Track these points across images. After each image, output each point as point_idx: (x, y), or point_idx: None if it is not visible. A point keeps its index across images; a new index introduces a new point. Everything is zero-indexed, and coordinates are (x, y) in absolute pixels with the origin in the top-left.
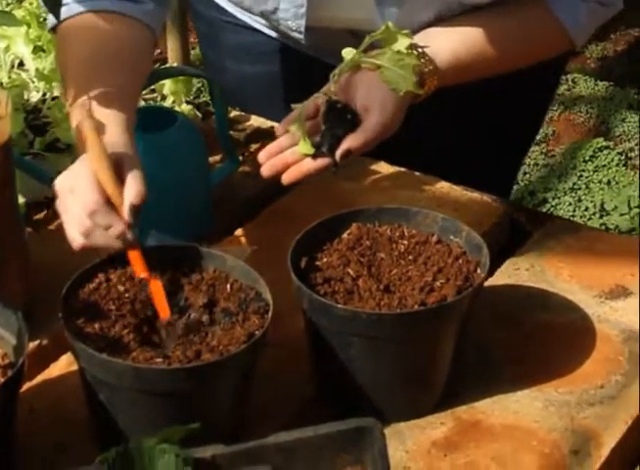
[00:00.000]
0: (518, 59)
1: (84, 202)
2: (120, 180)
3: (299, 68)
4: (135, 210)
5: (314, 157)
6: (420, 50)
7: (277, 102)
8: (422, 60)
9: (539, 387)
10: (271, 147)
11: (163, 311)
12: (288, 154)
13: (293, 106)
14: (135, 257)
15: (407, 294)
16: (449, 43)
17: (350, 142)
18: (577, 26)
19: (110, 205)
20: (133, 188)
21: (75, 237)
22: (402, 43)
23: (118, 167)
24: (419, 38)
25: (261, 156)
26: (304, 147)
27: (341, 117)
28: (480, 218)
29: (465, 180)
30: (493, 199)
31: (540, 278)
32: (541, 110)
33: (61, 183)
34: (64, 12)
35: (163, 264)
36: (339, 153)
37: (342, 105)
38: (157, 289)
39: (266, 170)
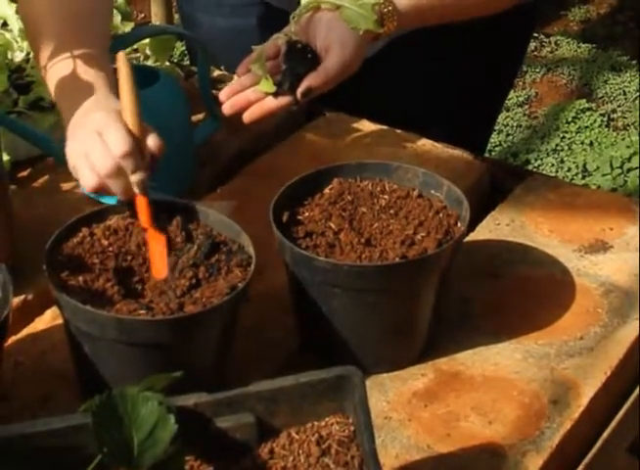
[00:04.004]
0: (475, 5)
1: (117, 143)
2: None
3: (271, 21)
4: (154, 162)
5: (275, 95)
6: None
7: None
8: (381, 0)
9: (519, 339)
10: (232, 86)
11: (160, 270)
12: (249, 92)
13: (253, 47)
14: (144, 206)
15: (388, 247)
16: None
17: (311, 80)
18: None
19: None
20: (156, 141)
21: (91, 178)
22: None
23: None
24: None
25: (222, 94)
26: (265, 85)
27: (301, 57)
28: (461, 175)
29: (439, 136)
30: (474, 156)
31: (520, 233)
32: (512, 63)
33: (101, 119)
34: None
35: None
36: (299, 91)
37: (302, 45)
38: (160, 245)
39: (227, 109)
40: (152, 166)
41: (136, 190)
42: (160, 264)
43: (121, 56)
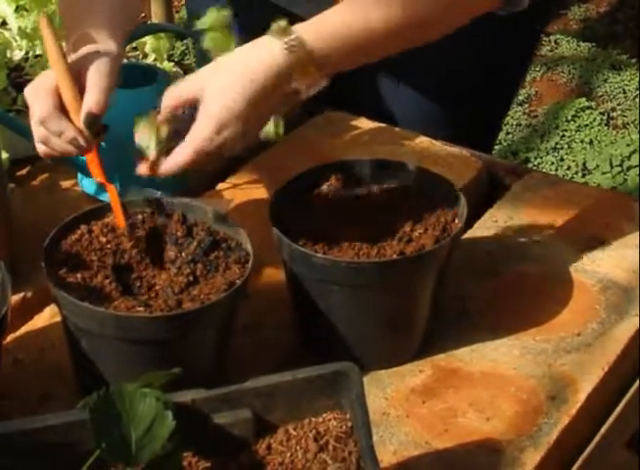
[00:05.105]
0: (433, 21)
1: (38, 109)
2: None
3: (271, 19)
4: (92, 118)
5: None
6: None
7: None
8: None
9: (517, 335)
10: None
11: (119, 218)
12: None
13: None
14: (91, 161)
15: (386, 244)
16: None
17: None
18: None
19: (63, 111)
20: (93, 96)
21: (37, 145)
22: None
23: (83, 75)
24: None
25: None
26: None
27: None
28: (459, 172)
29: (441, 136)
30: (472, 153)
31: (518, 230)
32: (519, 64)
33: (28, 91)
34: None
35: (146, 216)
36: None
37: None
38: (112, 195)
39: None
40: (90, 122)
41: (70, 149)
42: (117, 213)
43: (43, 21)
